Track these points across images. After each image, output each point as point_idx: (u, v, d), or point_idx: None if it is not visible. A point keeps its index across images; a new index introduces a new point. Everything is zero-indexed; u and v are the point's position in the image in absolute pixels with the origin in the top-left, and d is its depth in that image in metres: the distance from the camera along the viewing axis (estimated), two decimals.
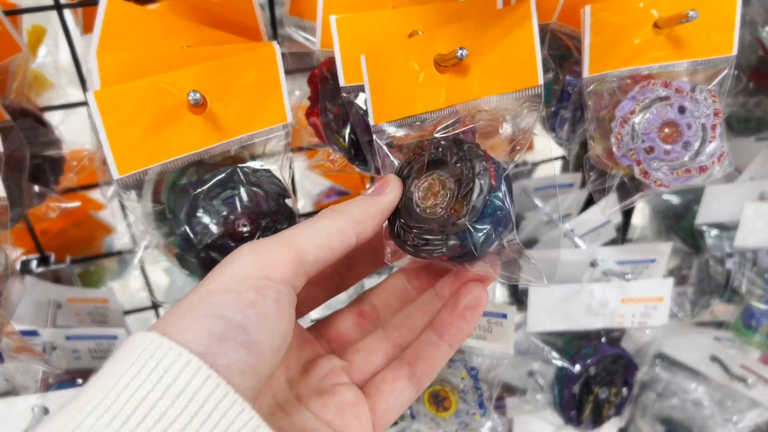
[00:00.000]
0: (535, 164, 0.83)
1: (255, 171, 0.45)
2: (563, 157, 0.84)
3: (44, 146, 0.53)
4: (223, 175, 0.44)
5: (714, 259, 0.77)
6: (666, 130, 0.53)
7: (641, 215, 0.90)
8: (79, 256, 0.72)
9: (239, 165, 0.44)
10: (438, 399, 0.65)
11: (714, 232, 0.76)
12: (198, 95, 0.40)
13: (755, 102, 0.68)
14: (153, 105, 0.41)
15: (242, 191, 0.44)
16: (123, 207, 0.69)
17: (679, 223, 0.83)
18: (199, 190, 0.43)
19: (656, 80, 0.52)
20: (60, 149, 0.55)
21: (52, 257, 0.68)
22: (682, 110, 0.52)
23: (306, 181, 0.89)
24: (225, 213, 0.43)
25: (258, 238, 0.44)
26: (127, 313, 0.75)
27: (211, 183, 0.43)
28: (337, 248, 0.36)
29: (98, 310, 0.67)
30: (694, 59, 0.53)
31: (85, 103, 0.61)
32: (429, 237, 0.38)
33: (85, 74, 0.59)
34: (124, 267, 0.81)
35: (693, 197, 0.83)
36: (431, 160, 0.40)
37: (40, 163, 0.53)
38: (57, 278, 0.69)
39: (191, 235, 0.43)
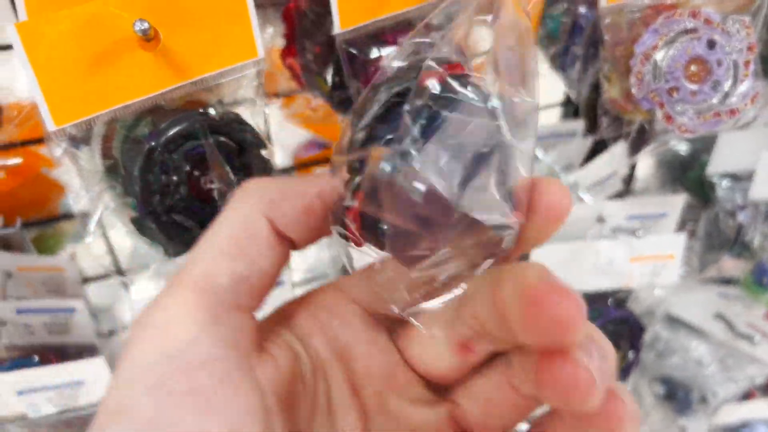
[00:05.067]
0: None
1: (222, 117, 0.38)
2: (563, 104, 0.78)
3: None
4: (184, 123, 0.36)
5: (724, 211, 0.72)
6: (692, 67, 0.46)
7: (645, 166, 0.85)
8: (31, 219, 0.64)
9: (202, 111, 0.37)
10: None
11: (725, 183, 0.71)
12: (146, 24, 0.33)
13: None
14: (94, 39, 0.34)
15: (208, 142, 0.37)
16: (76, 164, 0.61)
17: (686, 174, 0.78)
18: (154, 142, 0.36)
19: (682, 10, 0.46)
20: None
21: (1, 221, 0.60)
22: (711, 44, 0.46)
23: (283, 132, 0.81)
24: (188, 168, 0.36)
25: (229, 197, 0.38)
26: (90, 280, 0.69)
27: (169, 133, 0.36)
28: None
29: (54, 278, 0.61)
30: None
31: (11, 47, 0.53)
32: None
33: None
34: (84, 229, 0.74)
35: (701, 146, 0.77)
36: None
37: None
38: (7, 245, 0.62)
39: (149, 197, 0.36)
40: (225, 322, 0.22)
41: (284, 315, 0.26)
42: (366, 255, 0.25)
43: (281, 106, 0.65)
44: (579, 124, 0.71)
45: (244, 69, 0.39)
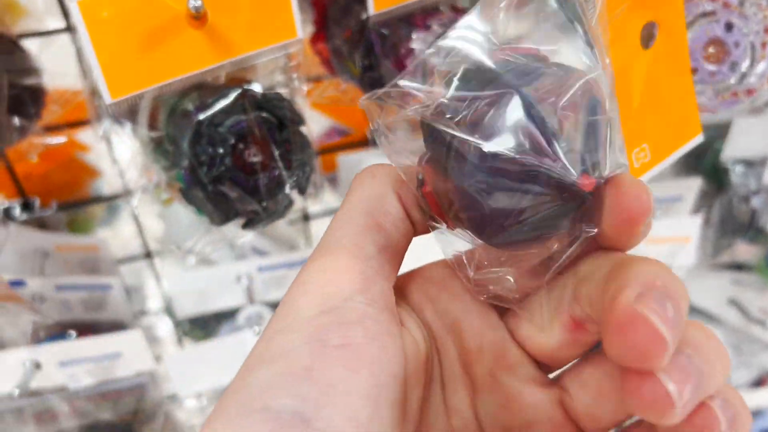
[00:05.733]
0: None
1: (264, 95, 0.40)
2: None
3: (22, 74, 0.47)
4: (229, 98, 0.38)
5: (738, 197, 0.73)
6: (711, 49, 0.48)
7: None
8: (66, 201, 0.66)
9: (246, 88, 0.39)
10: None
11: (739, 168, 0.73)
12: (199, 2, 0.35)
13: None
14: (147, 17, 0.36)
15: (251, 117, 0.39)
16: (112, 150, 0.63)
17: (700, 159, 0.80)
18: (202, 115, 0.38)
19: None
20: (40, 78, 0.49)
21: (37, 203, 0.62)
22: (729, 27, 0.47)
23: (306, 120, 0.82)
24: (233, 141, 0.38)
25: (270, 170, 0.39)
26: (119, 262, 0.71)
27: (216, 107, 0.38)
28: None
29: (89, 258, 0.63)
30: None
31: (66, 30, 0.55)
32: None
33: None
34: (113, 213, 0.76)
35: (716, 133, 0.79)
36: None
37: (18, 94, 0.47)
38: (42, 227, 0.64)
39: (196, 167, 0.38)
40: (376, 287, 0.23)
41: (395, 288, 0.26)
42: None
43: (305, 95, 0.67)
44: None
45: (283, 49, 0.41)
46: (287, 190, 0.41)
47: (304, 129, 0.42)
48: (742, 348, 0.86)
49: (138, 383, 0.56)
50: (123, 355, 0.54)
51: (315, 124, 0.80)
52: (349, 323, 0.22)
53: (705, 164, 0.79)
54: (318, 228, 0.76)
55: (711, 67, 0.48)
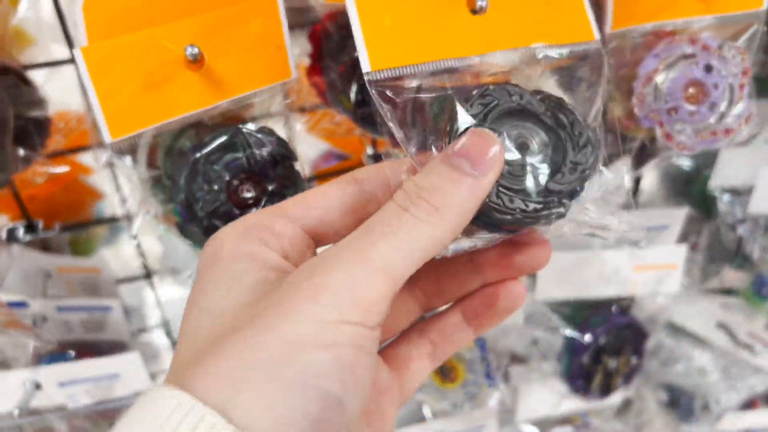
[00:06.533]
0: None
1: (259, 132, 0.41)
2: None
3: (29, 106, 0.49)
4: (224, 137, 0.40)
5: (725, 225, 0.75)
6: (691, 90, 0.50)
7: (650, 180, 0.88)
8: (68, 222, 0.68)
9: (241, 126, 0.41)
10: (444, 370, 0.63)
11: (726, 197, 0.74)
12: (196, 50, 0.37)
13: None
14: (147, 62, 0.38)
15: (246, 154, 0.41)
16: (114, 174, 0.65)
17: (689, 188, 0.81)
18: (198, 153, 0.40)
19: (682, 36, 0.49)
20: (45, 110, 0.51)
21: (41, 224, 0.64)
22: (708, 69, 0.49)
23: (303, 144, 0.83)
24: (228, 178, 0.40)
25: (264, 204, 0.41)
26: (120, 282, 0.72)
27: (211, 146, 0.40)
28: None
29: (90, 279, 0.64)
30: (722, 14, 0.49)
31: (71, 61, 0.58)
32: (539, 201, 0.31)
33: (70, 29, 0.55)
34: (115, 234, 0.78)
35: (704, 162, 0.80)
36: (510, 109, 0.32)
37: (24, 125, 0.49)
38: (45, 247, 0.66)
39: (192, 203, 0.40)
40: None
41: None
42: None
43: (305, 122, 0.69)
44: None
45: (278, 89, 0.43)
46: None
47: (296, 165, 0.44)
48: (731, 371, 0.87)
49: None
50: (121, 376, 0.55)
51: (312, 149, 0.82)
52: None
53: (693, 192, 0.81)
54: None
55: (691, 107, 0.49)
